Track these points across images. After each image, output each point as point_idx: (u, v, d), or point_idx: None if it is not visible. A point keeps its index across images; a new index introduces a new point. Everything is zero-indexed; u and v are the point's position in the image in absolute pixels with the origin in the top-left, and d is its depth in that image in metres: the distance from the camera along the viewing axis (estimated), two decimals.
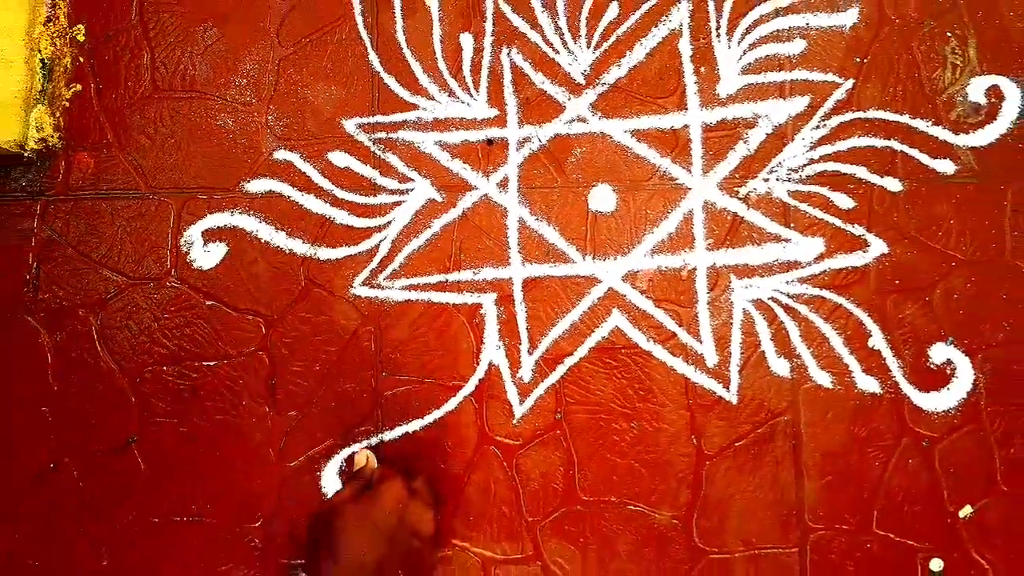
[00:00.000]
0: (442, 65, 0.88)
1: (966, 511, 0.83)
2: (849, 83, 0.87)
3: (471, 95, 0.87)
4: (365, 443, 0.83)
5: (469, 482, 0.83)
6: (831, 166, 0.86)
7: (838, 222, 0.85)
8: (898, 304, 0.85)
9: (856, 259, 0.85)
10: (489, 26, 0.88)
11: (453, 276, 0.86)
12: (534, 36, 0.88)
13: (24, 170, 0.87)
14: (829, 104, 0.87)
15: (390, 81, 0.88)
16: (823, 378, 0.84)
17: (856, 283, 0.85)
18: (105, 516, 0.83)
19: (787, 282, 0.85)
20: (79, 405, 0.85)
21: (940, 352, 0.84)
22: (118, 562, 0.83)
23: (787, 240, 0.85)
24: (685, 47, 0.88)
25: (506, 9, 0.88)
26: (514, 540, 0.83)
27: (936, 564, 0.83)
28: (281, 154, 0.87)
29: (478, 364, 0.85)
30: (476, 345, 0.85)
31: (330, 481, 0.83)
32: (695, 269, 0.85)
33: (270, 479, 0.83)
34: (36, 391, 0.84)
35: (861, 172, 0.86)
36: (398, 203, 0.86)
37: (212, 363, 0.85)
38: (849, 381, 0.84)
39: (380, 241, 0.86)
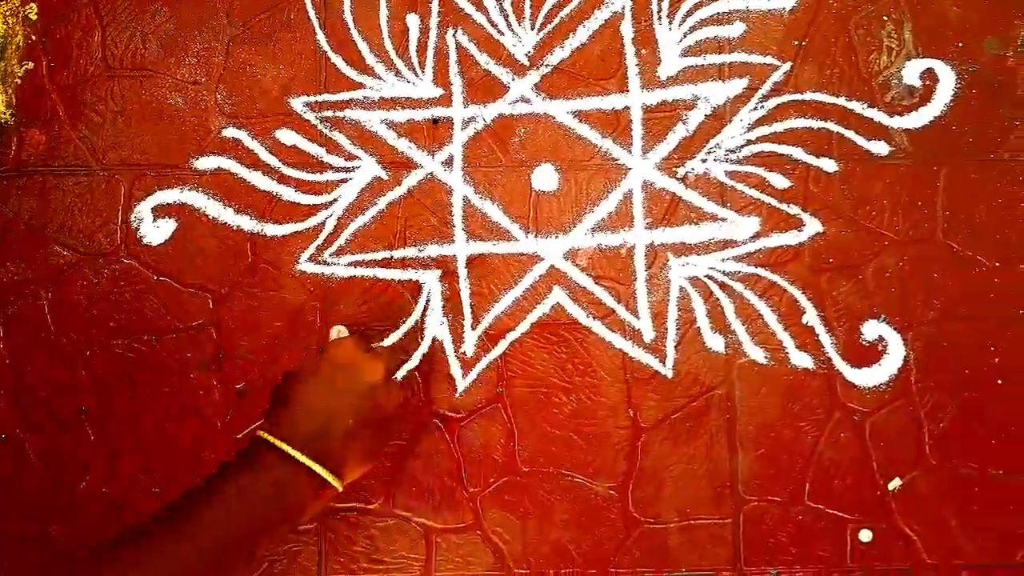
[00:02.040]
0: (389, 45, 0.89)
1: (895, 484, 0.86)
2: (787, 65, 0.89)
3: (417, 75, 0.89)
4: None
5: (412, 454, 0.86)
6: (768, 147, 0.88)
7: (774, 202, 0.87)
8: (832, 282, 0.87)
9: (791, 238, 0.87)
10: (435, 7, 0.90)
11: (398, 253, 0.87)
12: (479, 17, 0.89)
13: None
14: (767, 86, 0.89)
15: (337, 60, 0.89)
16: (757, 354, 0.86)
17: (791, 261, 0.87)
18: (56, 487, 0.85)
19: (723, 260, 0.87)
20: (31, 378, 0.87)
21: (872, 329, 0.86)
22: (68, 531, 0.85)
23: (723, 219, 0.87)
24: (627, 30, 0.89)
25: None
26: (455, 510, 0.85)
27: (865, 535, 0.85)
28: (230, 132, 0.88)
29: (422, 339, 0.87)
30: (420, 320, 0.87)
31: None
32: (634, 247, 0.87)
33: (217, 450, 0.85)
34: None
35: (797, 153, 0.88)
36: (344, 180, 0.88)
37: (161, 337, 0.87)
38: (783, 357, 0.86)
39: (326, 218, 0.87)
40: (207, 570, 0.56)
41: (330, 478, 0.65)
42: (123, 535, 0.56)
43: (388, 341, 0.86)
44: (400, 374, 0.86)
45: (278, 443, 0.64)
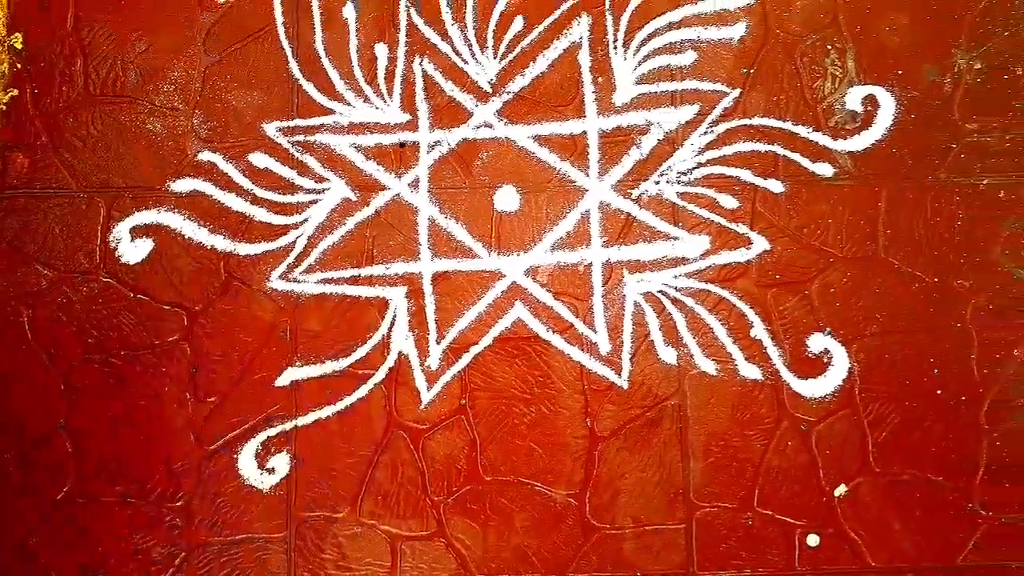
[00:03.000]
0: (358, 73, 0.94)
1: (841, 490, 0.89)
2: (736, 92, 0.93)
3: (385, 101, 0.93)
4: (279, 428, 0.88)
5: (378, 464, 0.89)
6: (717, 169, 0.92)
7: (723, 221, 0.92)
8: (778, 297, 0.91)
9: (740, 255, 0.91)
10: (403, 37, 0.94)
11: (366, 271, 0.91)
12: (445, 47, 0.94)
13: None
14: (717, 112, 0.93)
15: (309, 87, 0.94)
16: (708, 365, 0.90)
17: (739, 277, 0.91)
18: (34, 496, 0.88)
19: (675, 276, 0.91)
20: (11, 392, 0.90)
21: (818, 342, 0.91)
22: (46, 539, 0.88)
23: (675, 238, 0.91)
24: (584, 59, 0.94)
25: (419, 21, 0.94)
26: (419, 517, 0.88)
27: (813, 539, 0.89)
28: (205, 155, 0.92)
29: (388, 353, 0.90)
30: (387, 335, 0.90)
31: (246, 463, 0.88)
32: (591, 264, 0.91)
33: (190, 461, 0.89)
34: None
35: (745, 175, 0.92)
36: (314, 201, 0.92)
37: (137, 353, 0.90)
38: (732, 368, 0.90)
39: (297, 237, 0.91)
40: None
41: None
42: None
43: (355, 356, 0.90)
44: (367, 388, 0.90)
45: None
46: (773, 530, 0.89)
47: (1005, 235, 0.93)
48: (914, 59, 0.95)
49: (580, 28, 0.95)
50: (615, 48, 0.94)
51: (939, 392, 0.91)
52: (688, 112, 0.93)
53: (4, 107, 0.94)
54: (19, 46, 0.95)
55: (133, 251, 0.92)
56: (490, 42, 0.94)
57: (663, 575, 0.88)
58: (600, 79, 0.94)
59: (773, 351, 0.91)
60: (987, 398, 0.91)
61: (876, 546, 0.89)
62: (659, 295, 0.91)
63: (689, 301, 0.91)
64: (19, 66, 0.95)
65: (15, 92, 0.94)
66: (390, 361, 0.91)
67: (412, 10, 0.94)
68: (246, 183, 0.92)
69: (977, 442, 0.91)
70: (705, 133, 0.93)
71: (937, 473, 0.90)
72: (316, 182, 0.93)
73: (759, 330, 0.91)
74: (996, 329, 0.92)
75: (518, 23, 0.95)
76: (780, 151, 0.93)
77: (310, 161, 0.93)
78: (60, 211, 0.92)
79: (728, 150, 0.93)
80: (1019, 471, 0.90)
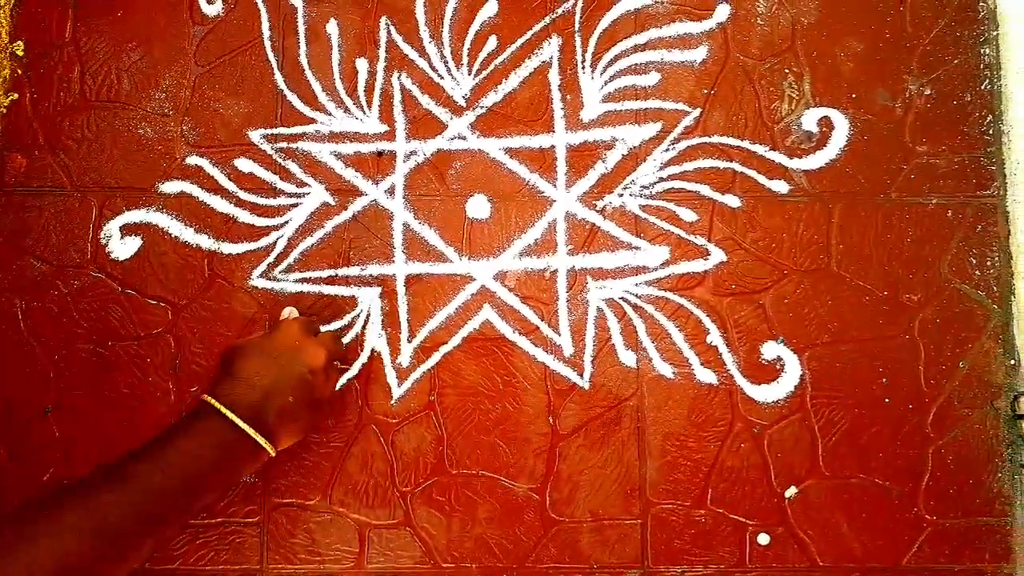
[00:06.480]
0: (339, 85, 0.99)
1: (791, 491, 0.94)
2: (697, 111, 0.99)
3: (364, 112, 0.99)
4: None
5: (349, 455, 0.94)
6: (678, 184, 0.98)
7: (682, 233, 0.97)
8: (734, 306, 0.96)
9: (697, 266, 0.96)
10: (382, 53, 1.00)
11: (342, 271, 0.96)
12: (422, 63, 1.00)
13: None
14: (678, 130, 0.99)
15: (292, 98, 0.99)
16: (665, 369, 0.95)
17: (697, 286, 0.96)
18: (22, 478, 0.92)
19: (636, 284, 0.96)
20: (3, 378, 0.94)
21: (771, 349, 0.95)
22: None
23: (637, 248, 0.96)
24: (554, 77, 0.99)
25: (398, 38, 1.00)
26: (387, 507, 0.93)
27: (763, 538, 0.93)
28: (193, 159, 0.98)
29: (362, 350, 0.95)
30: (361, 333, 0.95)
31: None
32: (556, 271, 0.96)
33: None
34: None
35: (704, 190, 0.97)
36: (295, 205, 0.97)
37: (124, 343, 0.95)
38: (689, 372, 0.95)
39: (277, 238, 0.96)
40: (144, 521, 0.64)
41: (266, 445, 0.74)
42: (65, 488, 0.63)
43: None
44: (340, 383, 0.94)
45: (223, 408, 0.72)
46: (725, 528, 0.93)
47: (952, 252, 0.98)
48: (868, 84, 1.00)
49: (550, 48, 1.00)
50: (583, 68, 1.00)
51: (887, 400, 0.95)
52: (651, 129, 0.99)
53: (4, 110, 0.99)
54: (20, 53, 1.01)
55: (122, 248, 0.96)
56: (465, 59, 1.00)
57: (618, 567, 0.92)
58: (568, 96, 1.00)
59: (728, 357, 0.95)
60: (933, 407, 0.95)
61: (825, 546, 0.93)
62: (620, 301, 0.96)
63: (649, 308, 0.96)
64: (20, 72, 1.00)
65: (15, 96, 1.00)
66: (363, 358, 0.95)
67: (392, 27, 1.00)
68: (231, 186, 0.97)
69: (923, 449, 0.95)
70: (667, 150, 0.98)
71: (884, 478, 0.94)
72: (297, 187, 0.98)
73: (715, 337, 0.96)
74: (942, 341, 0.96)
75: (492, 42, 1.00)
76: (738, 168, 0.98)
77: (292, 167, 0.98)
78: (55, 209, 0.97)
79: (688, 166, 0.98)
80: (963, 478, 0.95)
